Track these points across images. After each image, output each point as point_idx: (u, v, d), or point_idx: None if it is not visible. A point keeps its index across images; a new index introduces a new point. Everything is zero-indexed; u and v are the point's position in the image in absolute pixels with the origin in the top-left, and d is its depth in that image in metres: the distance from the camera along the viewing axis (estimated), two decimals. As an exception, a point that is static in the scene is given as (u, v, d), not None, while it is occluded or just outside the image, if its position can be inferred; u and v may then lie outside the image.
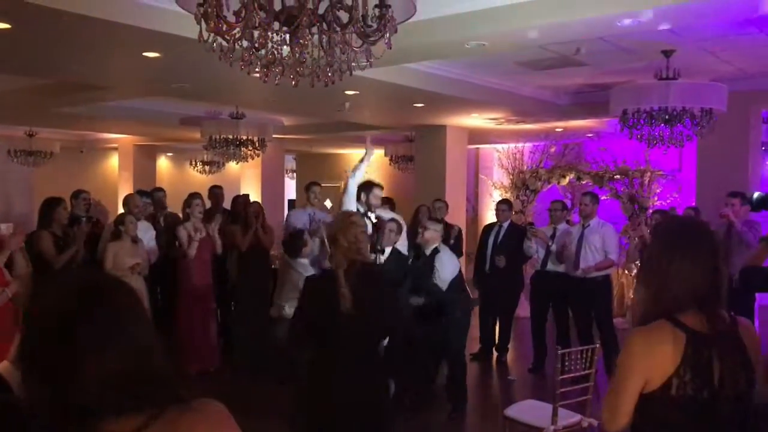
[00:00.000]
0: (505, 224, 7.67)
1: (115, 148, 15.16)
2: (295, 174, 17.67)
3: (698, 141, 7.63)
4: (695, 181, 8.71)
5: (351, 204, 5.66)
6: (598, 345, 4.44)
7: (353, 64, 3.29)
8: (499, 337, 7.81)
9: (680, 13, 4.56)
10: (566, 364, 4.27)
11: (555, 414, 4.11)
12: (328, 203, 13.07)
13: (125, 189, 13.39)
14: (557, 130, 10.64)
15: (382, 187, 6.02)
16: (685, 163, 10.35)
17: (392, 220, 5.75)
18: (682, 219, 2.36)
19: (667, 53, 6.44)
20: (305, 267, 5.81)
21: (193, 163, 14.93)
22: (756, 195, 5.17)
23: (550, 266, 7.12)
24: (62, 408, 1.17)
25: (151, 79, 6.94)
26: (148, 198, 7.58)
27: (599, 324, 6.80)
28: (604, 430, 1.94)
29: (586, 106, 8.85)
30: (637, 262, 9.15)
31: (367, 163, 5.88)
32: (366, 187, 5.88)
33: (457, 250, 6.97)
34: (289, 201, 16.78)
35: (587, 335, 6.77)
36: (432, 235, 5.69)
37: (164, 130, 11.85)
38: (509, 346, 7.84)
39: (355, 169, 5.80)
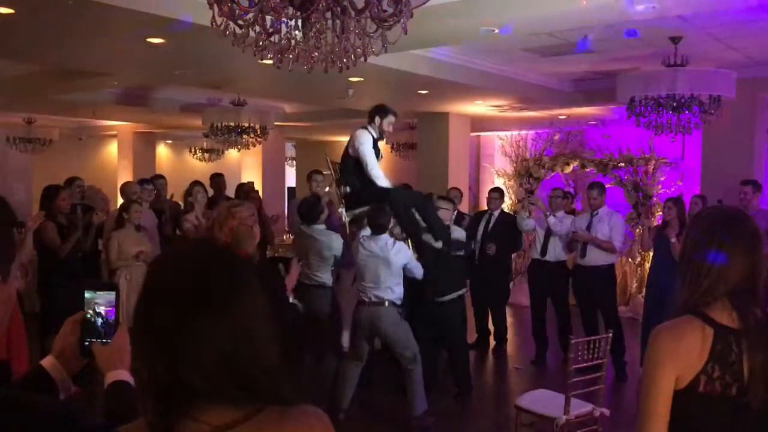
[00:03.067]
0: (496, 212, 7.63)
1: (114, 136, 15.07)
2: (294, 162, 17.59)
3: (704, 129, 7.60)
4: (698, 168, 8.69)
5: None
6: (611, 334, 4.41)
7: (369, 49, 3.23)
8: (494, 326, 7.78)
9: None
10: (576, 353, 4.24)
11: (567, 404, 4.08)
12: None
13: (124, 177, 13.30)
14: (561, 117, 10.57)
15: (396, 115, 5.72)
16: (688, 151, 10.29)
17: None
18: (721, 208, 2.28)
19: (675, 40, 6.38)
20: (322, 232, 5.71)
21: (193, 150, 14.85)
22: None
23: (549, 255, 7.08)
24: (169, 388, 1.13)
25: (153, 66, 6.87)
26: (150, 185, 7.51)
27: (604, 313, 6.78)
28: None
29: (591, 93, 8.79)
30: (640, 250, 9.16)
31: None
32: (380, 111, 5.57)
33: None
34: (289, 189, 16.72)
35: (591, 324, 6.76)
36: (444, 214, 5.74)
37: (164, 117, 11.76)
38: (507, 335, 7.83)
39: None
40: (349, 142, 5.63)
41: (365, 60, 3.31)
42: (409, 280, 5.32)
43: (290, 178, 16.90)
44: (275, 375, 1.17)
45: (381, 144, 5.66)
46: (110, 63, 6.82)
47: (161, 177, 8.22)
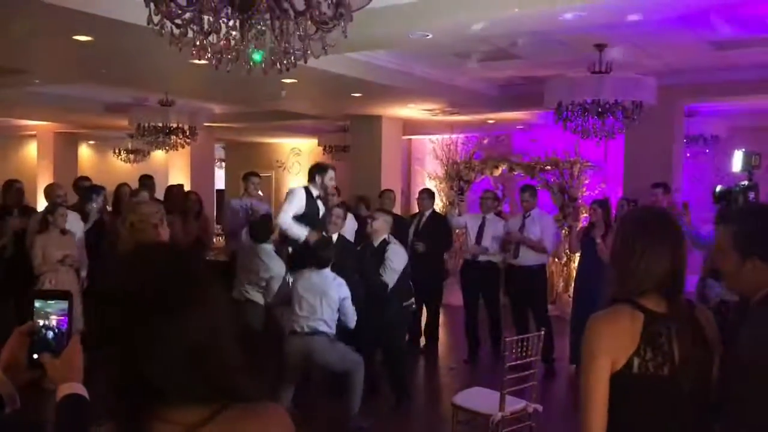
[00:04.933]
0: (427, 213, 7.73)
1: (34, 136, 14.46)
2: (224, 163, 17.30)
3: (626, 133, 7.91)
4: (620, 172, 9.03)
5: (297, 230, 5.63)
6: (543, 331, 4.54)
7: (308, 52, 3.23)
8: (426, 326, 7.85)
9: (614, 9, 4.71)
10: (510, 351, 4.35)
11: (503, 400, 4.18)
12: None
13: (44, 178, 12.79)
14: (489, 121, 10.80)
15: (334, 169, 5.95)
16: (611, 154, 10.69)
17: (339, 205, 5.73)
18: (648, 208, 2.47)
19: (600, 47, 6.62)
20: (269, 254, 5.70)
21: (117, 151, 14.41)
22: (718, 189, 5.43)
23: (482, 256, 7.20)
24: (137, 390, 1.13)
25: (79, 64, 6.64)
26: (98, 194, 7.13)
27: (535, 311, 6.95)
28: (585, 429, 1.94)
29: (518, 98, 8.99)
30: (566, 250, 9.46)
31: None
32: (319, 169, 5.82)
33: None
34: (218, 191, 16.43)
35: (523, 323, 6.93)
36: (381, 225, 5.66)
37: (88, 117, 11.37)
38: (438, 335, 7.92)
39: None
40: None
41: (305, 62, 3.31)
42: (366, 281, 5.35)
43: (219, 180, 16.62)
44: (240, 372, 1.20)
45: (320, 203, 5.84)
46: (32, 60, 6.57)
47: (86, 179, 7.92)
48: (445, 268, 8.04)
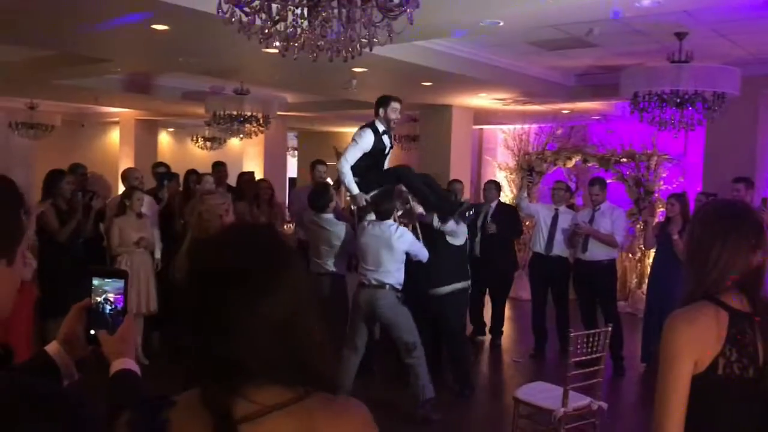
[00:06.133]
0: (493, 204, 7.64)
1: (117, 122, 15.05)
2: (296, 152, 17.56)
3: (707, 125, 7.58)
4: (700, 165, 8.68)
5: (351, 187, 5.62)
6: (610, 328, 4.42)
7: (374, 39, 3.23)
8: (492, 319, 7.77)
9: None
10: (576, 346, 4.25)
11: (566, 396, 4.10)
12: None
13: (126, 163, 13.28)
14: (564, 111, 10.56)
15: (400, 101, 5.74)
16: (690, 147, 10.28)
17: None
18: (725, 202, 2.33)
19: (680, 35, 6.37)
20: (330, 222, 5.70)
21: (195, 138, 14.83)
22: None
23: (555, 250, 7.06)
24: (223, 367, 1.16)
25: (157, 53, 6.85)
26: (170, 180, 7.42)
27: (603, 308, 6.78)
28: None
29: (594, 87, 8.78)
30: (641, 245, 9.17)
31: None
32: (382, 101, 5.66)
33: None
34: (290, 179, 16.71)
35: (591, 319, 6.77)
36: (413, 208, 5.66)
37: (166, 104, 11.74)
38: (503, 328, 7.83)
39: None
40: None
41: (371, 50, 3.31)
42: (407, 272, 5.33)
43: (292, 168, 16.90)
44: (324, 356, 1.21)
45: (386, 138, 5.72)
46: (113, 49, 6.81)
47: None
48: (515, 260, 7.93)
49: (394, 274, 5.15)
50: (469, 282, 5.92)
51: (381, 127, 5.63)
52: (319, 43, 3.08)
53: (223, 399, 1.16)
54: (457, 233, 5.67)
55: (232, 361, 1.15)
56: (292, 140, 17.25)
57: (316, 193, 5.86)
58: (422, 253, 5.29)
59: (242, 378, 1.16)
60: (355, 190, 5.59)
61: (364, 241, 5.21)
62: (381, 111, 5.63)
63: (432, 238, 5.55)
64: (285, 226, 9.35)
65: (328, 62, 3.50)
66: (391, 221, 5.20)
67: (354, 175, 5.58)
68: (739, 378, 1.81)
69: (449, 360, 5.99)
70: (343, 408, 1.22)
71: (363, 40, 3.19)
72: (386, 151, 5.74)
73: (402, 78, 7.82)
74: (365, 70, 7.31)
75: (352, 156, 5.57)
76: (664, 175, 10.00)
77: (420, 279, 5.52)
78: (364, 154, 5.58)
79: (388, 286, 5.14)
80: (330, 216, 5.71)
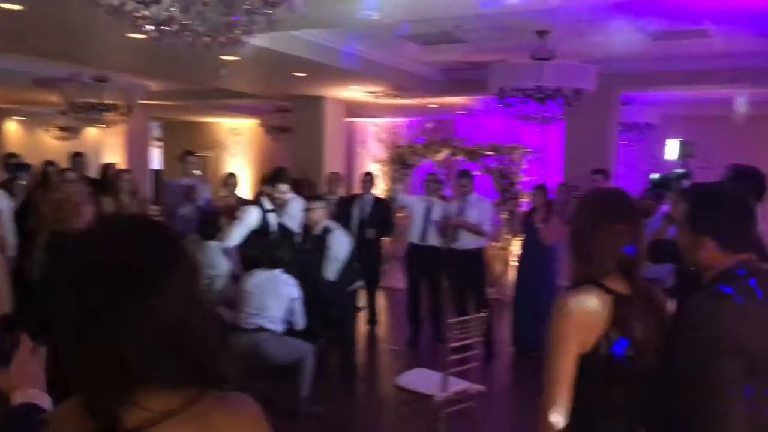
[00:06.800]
0: (369, 197, 7.74)
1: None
2: (162, 143, 16.86)
3: (567, 120, 8.03)
4: (558, 157, 9.20)
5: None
6: (486, 313, 4.59)
7: (253, 26, 3.15)
8: (368, 309, 7.87)
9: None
10: (452, 333, 4.38)
11: (446, 381, 4.21)
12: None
13: (-31, 155, 12.19)
14: (431, 106, 10.82)
15: (288, 182, 5.81)
16: (549, 141, 10.88)
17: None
18: (606, 190, 2.48)
19: (541, 34, 6.69)
20: (216, 252, 5.55)
21: (48, 128, 13.86)
22: (657, 177, 5.56)
23: (429, 240, 7.24)
24: (110, 373, 1.06)
25: (7, 34, 6.30)
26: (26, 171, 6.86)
27: (474, 294, 7.03)
28: (546, 412, 1.93)
29: (461, 82, 9.02)
30: (506, 234, 9.60)
31: None
32: (270, 179, 5.79)
33: None
34: (155, 171, 16.01)
35: (462, 305, 7.00)
36: (319, 214, 5.59)
37: (14, 91, 10.86)
38: (377, 318, 7.97)
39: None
40: None
41: (249, 37, 3.23)
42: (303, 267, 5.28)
43: (156, 160, 16.19)
44: (218, 356, 1.15)
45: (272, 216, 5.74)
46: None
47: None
48: (380, 252, 8.06)
49: (276, 321, 4.96)
50: (360, 282, 6.01)
51: (266, 206, 5.66)
52: (198, 29, 2.96)
53: (110, 406, 1.07)
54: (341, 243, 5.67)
55: (119, 365, 1.05)
56: (156, 130, 16.52)
57: (206, 222, 5.92)
58: (299, 318, 5.07)
59: (131, 382, 1.07)
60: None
61: (251, 285, 5.00)
62: (267, 188, 5.71)
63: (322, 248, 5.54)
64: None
65: (197, 50, 3.37)
66: (279, 270, 5.05)
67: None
68: (621, 357, 1.93)
69: (337, 354, 5.98)
70: (235, 404, 1.18)
71: (243, 27, 3.10)
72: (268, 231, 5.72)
73: (273, 67, 7.69)
74: (236, 58, 7.11)
75: (235, 232, 5.56)
76: (525, 167, 10.52)
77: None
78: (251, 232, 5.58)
79: (268, 331, 4.92)
80: (217, 245, 5.60)
